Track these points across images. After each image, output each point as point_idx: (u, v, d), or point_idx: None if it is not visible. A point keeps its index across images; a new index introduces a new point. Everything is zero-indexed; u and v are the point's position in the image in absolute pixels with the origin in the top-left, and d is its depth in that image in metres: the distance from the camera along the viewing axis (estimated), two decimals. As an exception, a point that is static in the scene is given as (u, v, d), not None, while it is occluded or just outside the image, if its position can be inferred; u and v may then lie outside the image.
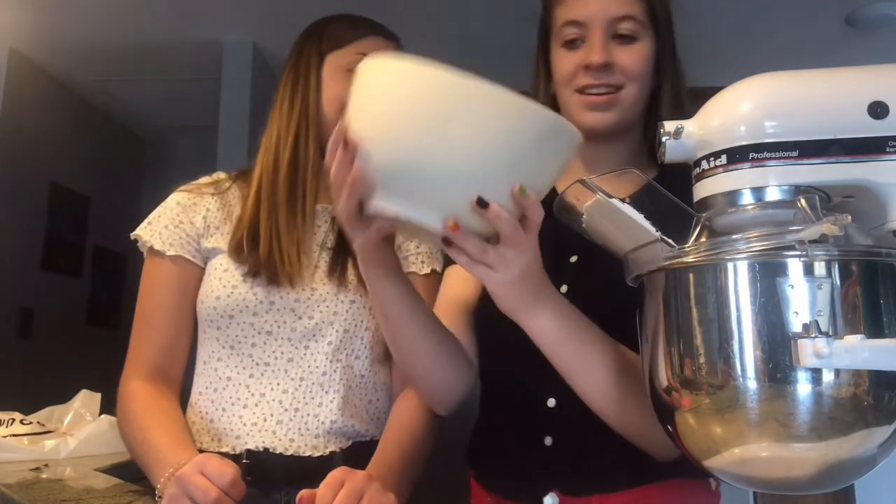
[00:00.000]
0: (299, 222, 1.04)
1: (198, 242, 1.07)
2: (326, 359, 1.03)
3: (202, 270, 1.07)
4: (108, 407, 1.51)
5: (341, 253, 1.07)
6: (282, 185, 1.05)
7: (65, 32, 2.98)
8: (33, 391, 2.01)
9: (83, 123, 3.75)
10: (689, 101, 0.98)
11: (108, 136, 3.98)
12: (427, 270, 1.11)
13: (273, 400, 1.01)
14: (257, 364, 1.02)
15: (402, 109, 0.64)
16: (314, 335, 1.03)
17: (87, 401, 1.50)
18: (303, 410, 1.01)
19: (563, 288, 0.92)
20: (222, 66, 3.03)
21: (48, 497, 0.96)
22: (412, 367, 0.93)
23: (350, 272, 1.06)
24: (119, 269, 4.11)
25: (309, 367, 1.03)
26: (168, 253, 1.06)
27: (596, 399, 0.79)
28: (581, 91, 0.93)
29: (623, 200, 0.65)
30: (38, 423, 1.41)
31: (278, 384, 1.02)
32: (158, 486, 0.88)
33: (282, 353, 1.03)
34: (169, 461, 0.89)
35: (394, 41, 1.12)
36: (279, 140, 1.07)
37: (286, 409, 1.01)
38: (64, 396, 1.52)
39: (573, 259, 0.95)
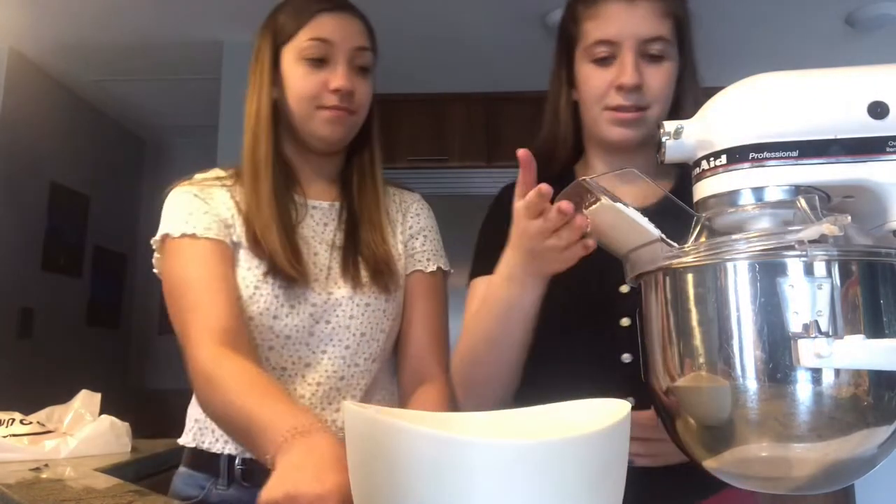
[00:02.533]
0: (275, 219, 1.01)
1: (227, 228, 1.02)
2: (344, 363, 1.02)
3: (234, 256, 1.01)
4: (108, 407, 1.51)
5: (350, 252, 1.05)
6: (262, 186, 1.02)
7: (65, 32, 2.98)
8: (33, 391, 2.01)
9: (83, 123, 3.75)
10: None
11: (108, 136, 3.98)
12: (433, 268, 1.11)
13: None
14: (273, 368, 1.00)
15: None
16: (332, 339, 1.02)
17: (87, 401, 1.50)
18: (319, 416, 0.99)
19: (625, 321, 0.93)
20: (222, 66, 3.03)
21: (48, 497, 0.96)
22: (490, 365, 0.92)
23: (362, 272, 1.04)
24: (119, 269, 4.11)
25: (326, 371, 1.01)
26: (205, 235, 0.99)
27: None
28: (610, 109, 0.94)
29: (624, 202, 0.65)
30: (38, 423, 1.40)
31: (294, 390, 1.00)
32: (268, 456, 0.79)
33: (299, 357, 1.01)
34: (277, 428, 0.78)
35: (348, 11, 1.07)
36: (247, 143, 1.06)
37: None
38: (64, 396, 1.52)
39: (624, 289, 0.94)
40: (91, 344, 3.76)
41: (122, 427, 1.44)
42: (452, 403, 1.04)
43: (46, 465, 1.21)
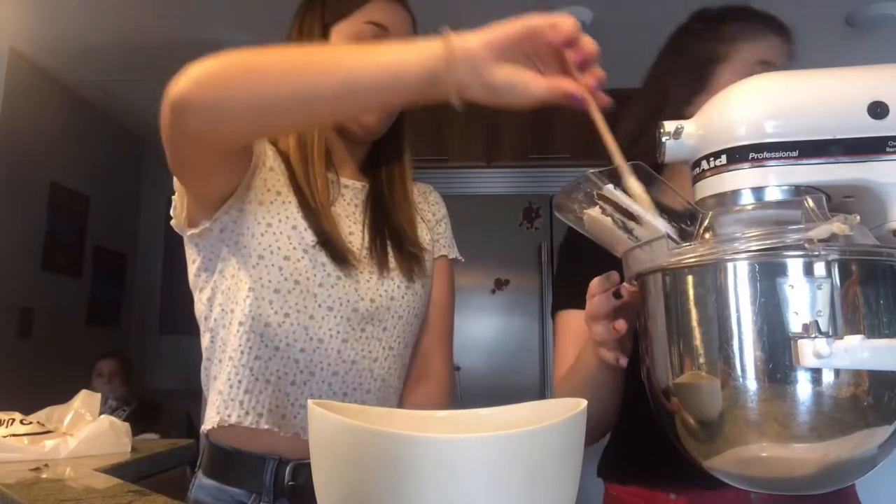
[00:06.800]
0: (319, 200, 0.98)
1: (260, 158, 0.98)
2: (380, 344, 1.01)
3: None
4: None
5: (379, 237, 1.04)
6: (296, 167, 0.99)
7: (65, 32, 2.99)
8: (33, 391, 2.01)
9: (83, 123, 3.75)
10: None
11: (108, 136, 3.98)
12: (453, 255, 1.14)
13: (322, 381, 0.96)
14: (311, 339, 0.95)
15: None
16: (372, 318, 0.99)
17: (87, 401, 1.50)
18: (351, 396, 0.97)
19: None
20: (222, 66, 3.03)
21: (48, 497, 0.96)
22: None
23: (391, 258, 1.03)
24: (119, 269, 4.11)
25: (363, 349, 0.99)
26: None
27: None
28: None
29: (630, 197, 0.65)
30: (38, 423, 1.40)
31: (329, 365, 0.96)
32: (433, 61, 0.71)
33: (337, 332, 0.97)
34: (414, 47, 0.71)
35: (401, 1, 1.06)
36: None
37: (335, 393, 0.96)
38: (64, 396, 1.52)
39: None
40: (91, 344, 3.76)
41: (122, 427, 1.44)
42: (451, 398, 1.06)
43: (46, 465, 1.21)
